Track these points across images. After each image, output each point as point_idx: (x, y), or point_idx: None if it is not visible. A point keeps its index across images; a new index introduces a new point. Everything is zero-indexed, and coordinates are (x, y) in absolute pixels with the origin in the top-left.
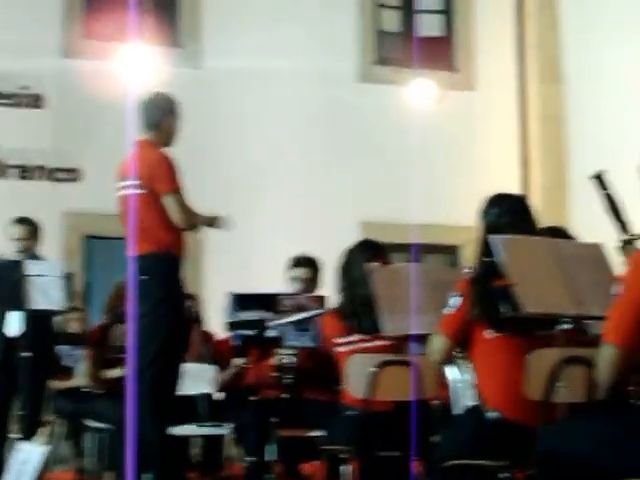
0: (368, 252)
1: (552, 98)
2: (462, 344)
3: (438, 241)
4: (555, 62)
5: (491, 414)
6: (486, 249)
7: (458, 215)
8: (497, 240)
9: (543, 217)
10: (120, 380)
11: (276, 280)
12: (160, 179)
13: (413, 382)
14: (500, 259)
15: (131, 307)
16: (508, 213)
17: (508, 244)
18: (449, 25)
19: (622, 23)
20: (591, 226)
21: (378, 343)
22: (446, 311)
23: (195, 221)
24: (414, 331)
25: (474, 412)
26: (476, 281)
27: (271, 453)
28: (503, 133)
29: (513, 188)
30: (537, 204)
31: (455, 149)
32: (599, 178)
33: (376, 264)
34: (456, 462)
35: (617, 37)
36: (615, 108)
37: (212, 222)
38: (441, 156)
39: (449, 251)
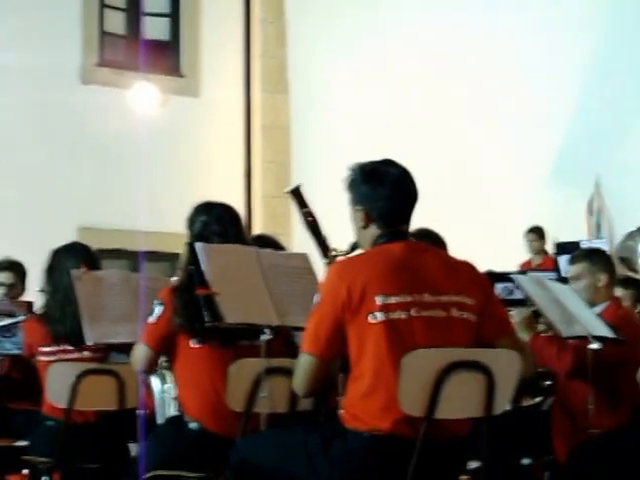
0: (75, 256)
1: (277, 108)
2: (168, 354)
3: (161, 248)
4: (281, 72)
5: (192, 425)
6: (192, 257)
7: (181, 222)
8: (201, 248)
9: (266, 227)
10: None
11: None
12: None
13: (116, 392)
14: (203, 267)
15: None
16: (216, 222)
17: (211, 252)
18: (175, 29)
19: (348, 36)
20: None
21: (83, 354)
22: (149, 320)
23: None
24: (118, 340)
25: (175, 423)
26: (179, 289)
27: None
28: (228, 141)
29: (236, 196)
30: (260, 213)
31: (179, 155)
32: (296, 192)
33: (80, 270)
34: (156, 473)
35: (342, 50)
36: (340, 119)
37: None
38: (165, 162)
39: (171, 259)
